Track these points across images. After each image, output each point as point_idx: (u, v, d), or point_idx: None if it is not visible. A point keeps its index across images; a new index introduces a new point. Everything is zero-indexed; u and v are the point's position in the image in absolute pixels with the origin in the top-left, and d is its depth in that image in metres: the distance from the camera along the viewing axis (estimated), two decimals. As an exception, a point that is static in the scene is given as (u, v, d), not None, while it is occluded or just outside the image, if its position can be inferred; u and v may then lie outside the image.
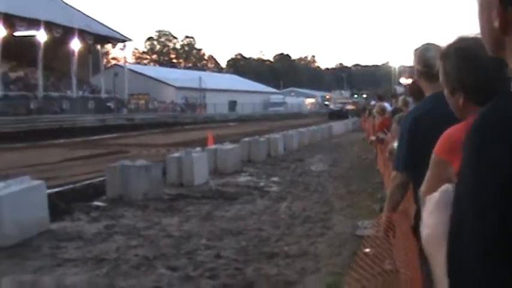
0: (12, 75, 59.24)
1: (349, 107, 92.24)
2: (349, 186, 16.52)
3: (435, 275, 1.38)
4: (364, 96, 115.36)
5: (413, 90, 5.81)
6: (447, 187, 1.42)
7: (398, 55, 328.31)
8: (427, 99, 3.96)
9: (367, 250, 8.87)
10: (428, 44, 4.05)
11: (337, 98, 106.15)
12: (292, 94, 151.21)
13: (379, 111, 15.00)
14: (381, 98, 22.25)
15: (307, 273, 7.99)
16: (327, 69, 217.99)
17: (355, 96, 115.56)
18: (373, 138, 15.87)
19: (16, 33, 54.90)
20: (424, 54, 3.95)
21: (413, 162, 3.76)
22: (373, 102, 32.31)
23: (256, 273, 7.99)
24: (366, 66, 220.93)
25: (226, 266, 8.32)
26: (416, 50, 4.08)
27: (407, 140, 3.92)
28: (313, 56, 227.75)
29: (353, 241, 9.60)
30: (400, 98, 13.65)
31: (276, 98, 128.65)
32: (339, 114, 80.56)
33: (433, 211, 1.41)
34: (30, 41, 56.38)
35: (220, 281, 7.66)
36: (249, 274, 7.94)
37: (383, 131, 12.47)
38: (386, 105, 16.52)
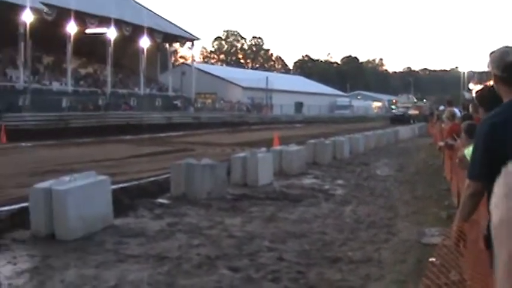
0: (82, 71, 60.31)
1: (412, 111, 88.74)
2: (415, 192, 16.23)
3: (500, 259, 1.28)
4: (424, 101, 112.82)
5: (483, 97, 5.13)
6: None
7: (467, 60, 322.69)
8: (505, 105, 3.76)
9: (433, 259, 8.64)
10: (507, 47, 3.85)
11: (404, 102, 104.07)
12: (359, 97, 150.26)
13: (449, 116, 14.73)
14: (450, 103, 21.87)
15: (371, 280, 7.82)
16: (395, 72, 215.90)
17: (415, 101, 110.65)
18: (441, 144, 15.58)
19: (87, 31, 55.86)
20: (504, 58, 3.75)
21: (488, 171, 3.54)
22: (441, 107, 31.82)
23: (319, 277, 7.85)
24: (434, 70, 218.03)
25: (289, 269, 8.19)
26: (492, 53, 3.88)
27: (483, 147, 3.71)
28: (381, 59, 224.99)
29: (418, 249, 9.40)
30: (471, 104, 13.37)
31: (343, 100, 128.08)
32: (401, 119, 78.49)
33: (507, 194, 1.30)
34: (100, 38, 57.37)
35: (283, 284, 7.54)
36: (311, 278, 7.81)
37: (452, 136, 12.20)
38: (456, 110, 16.22)
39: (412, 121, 75.84)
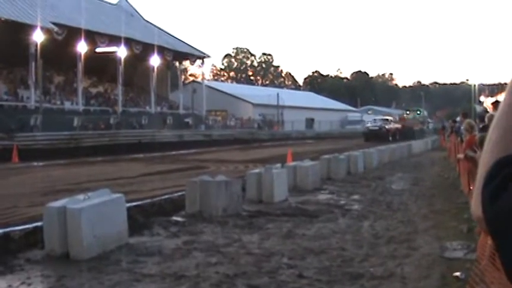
0: (93, 90, 60.46)
1: (392, 125, 71.45)
2: (432, 206, 16.05)
3: None
4: (419, 112, 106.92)
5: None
6: None
7: (477, 73, 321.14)
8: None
9: (458, 274, 8.42)
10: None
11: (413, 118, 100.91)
12: (370, 112, 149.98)
13: (467, 128, 14.53)
14: (465, 115, 21.74)
15: (395, 296, 7.62)
16: (405, 87, 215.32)
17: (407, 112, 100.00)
18: (461, 156, 15.38)
19: (97, 50, 56.03)
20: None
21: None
22: (458, 119, 31.56)
23: (341, 295, 7.65)
24: (444, 84, 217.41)
25: (310, 286, 7.99)
26: None
27: None
28: (391, 74, 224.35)
29: (441, 263, 9.20)
30: (487, 115, 13.21)
31: (354, 116, 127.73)
32: (377, 135, 64.60)
33: None
34: (110, 57, 57.56)
35: (305, 303, 7.35)
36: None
37: (472, 148, 12.01)
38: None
39: (390, 138, 63.54)
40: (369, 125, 73.97)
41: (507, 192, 0.99)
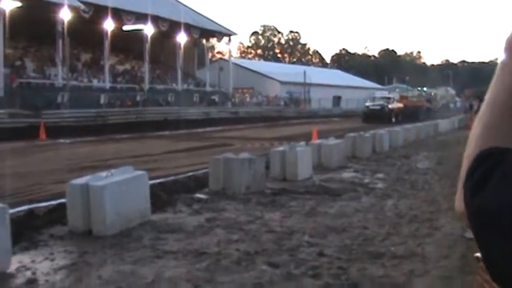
0: (120, 68, 60.63)
1: (394, 105, 63.49)
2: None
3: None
4: (425, 90, 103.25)
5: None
6: None
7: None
8: None
9: (478, 254, 8.41)
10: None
11: (443, 96, 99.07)
12: (397, 90, 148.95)
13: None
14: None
15: (415, 275, 7.59)
16: (433, 65, 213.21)
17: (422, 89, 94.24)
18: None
19: (124, 27, 56.15)
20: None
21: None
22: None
23: (361, 273, 7.64)
24: (473, 63, 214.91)
25: (330, 264, 7.98)
26: None
27: None
28: (419, 52, 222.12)
29: (462, 243, 9.15)
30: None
31: (381, 94, 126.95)
32: (378, 116, 57.64)
33: None
34: (137, 34, 57.64)
35: (324, 281, 7.34)
36: (353, 274, 7.60)
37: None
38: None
39: (394, 119, 58.01)
40: (368, 103, 65.00)
41: (487, 187, 0.98)
